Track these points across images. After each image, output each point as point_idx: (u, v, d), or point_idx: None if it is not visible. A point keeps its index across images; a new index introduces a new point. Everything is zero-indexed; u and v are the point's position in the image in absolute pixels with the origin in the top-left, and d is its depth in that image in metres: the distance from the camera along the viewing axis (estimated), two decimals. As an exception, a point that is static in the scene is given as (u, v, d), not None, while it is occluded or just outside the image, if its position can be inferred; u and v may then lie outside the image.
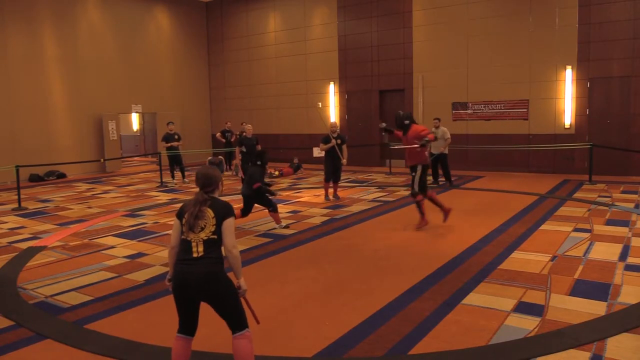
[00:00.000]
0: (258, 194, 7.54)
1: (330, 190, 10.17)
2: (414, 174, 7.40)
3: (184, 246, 3.02)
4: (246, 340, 3.05)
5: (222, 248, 3.06)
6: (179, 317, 3.12)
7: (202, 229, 2.99)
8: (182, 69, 18.92)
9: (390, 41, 15.27)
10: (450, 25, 14.19)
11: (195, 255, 2.97)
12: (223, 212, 3.04)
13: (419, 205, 7.37)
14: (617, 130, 12.33)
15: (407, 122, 7.43)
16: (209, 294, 2.98)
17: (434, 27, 14.50)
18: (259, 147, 11.86)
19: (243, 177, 11.47)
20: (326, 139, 9.89)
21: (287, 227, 7.68)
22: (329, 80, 16.59)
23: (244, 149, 11.22)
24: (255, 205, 7.71)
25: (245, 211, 7.67)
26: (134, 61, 17.29)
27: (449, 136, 11.46)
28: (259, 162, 7.63)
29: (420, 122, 14.81)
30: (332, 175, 9.95)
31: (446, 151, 11.48)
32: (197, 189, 3.13)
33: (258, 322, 3.37)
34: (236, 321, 3.05)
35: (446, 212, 7.46)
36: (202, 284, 2.94)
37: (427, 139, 7.19)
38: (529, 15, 13.09)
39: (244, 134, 12.14)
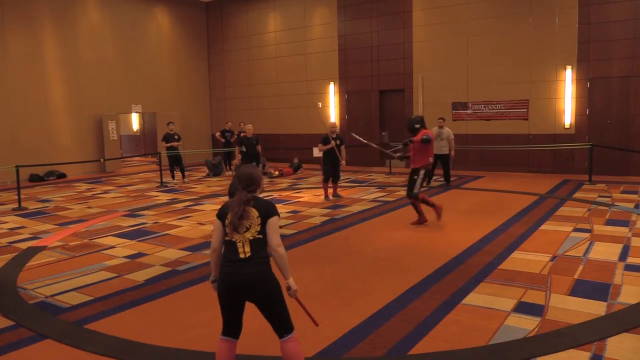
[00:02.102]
0: None
1: (330, 190, 10.18)
2: (415, 177, 7.45)
3: (229, 247, 2.96)
4: (295, 343, 3.00)
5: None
6: (224, 319, 3.06)
7: (247, 229, 2.94)
8: (182, 69, 18.91)
9: (390, 41, 15.27)
10: (450, 25, 14.19)
11: (242, 256, 2.92)
12: (267, 210, 2.99)
13: (416, 206, 7.53)
14: (617, 130, 12.33)
15: (417, 126, 7.55)
16: (259, 295, 2.93)
17: (434, 27, 14.50)
18: (259, 147, 11.87)
19: None
20: (325, 139, 9.91)
21: (281, 227, 7.66)
22: (329, 80, 16.58)
23: (244, 149, 11.22)
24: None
25: None
26: (134, 61, 17.29)
27: (452, 137, 11.48)
28: (254, 163, 7.61)
29: (420, 122, 14.82)
30: (332, 175, 9.98)
31: (452, 152, 11.49)
32: (237, 189, 3.06)
33: (317, 325, 3.30)
34: (284, 324, 3.00)
35: (422, 220, 7.58)
36: (251, 285, 2.90)
37: (425, 137, 7.33)
38: (529, 15, 13.09)
39: (243, 134, 12.14)
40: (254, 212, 2.97)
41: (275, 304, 2.97)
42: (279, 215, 3.05)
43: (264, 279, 2.92)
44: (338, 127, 10.64)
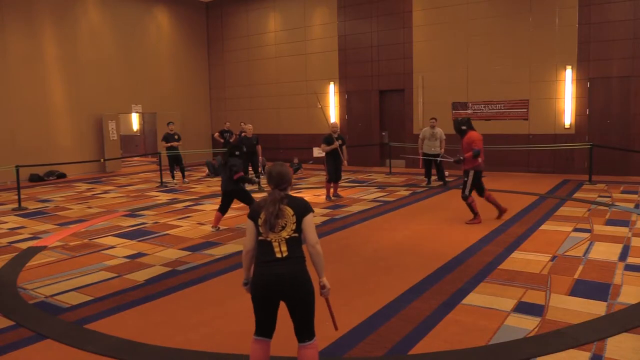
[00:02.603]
0: (240, 191, 7.43)
1: (331, 190, 10.19)
2: (466, 178, 7.65)
3: (265, 247, 2.92)
4: (315, 350, 2.97)
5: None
6: (258, 319, 3.01)
7: (283, 227, 2.91)
8: (182, 69, 18.92)
9: (390, 41, 15.27)
10: (450, 25, 14.19)
11: (279, 255, 2.88)
12: (302, 208, 2.96)
13: (471, 206, 7.65)
14: (617, 130, 12.32)
15: (464, 127, 7.69)
16: (295, 295, 2.89)
17: (434, 27, 14.50)
18: (259, 147, 11.89)
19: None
20: (328, 139, 9.91)
21: None
22: (329, 80, 16.58)
23: (244, 149, 11.21)
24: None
25: (224, 209, 7.55)
26: (134, 61, 17.29)
27: (444, 137, 11.53)
28: (237, 153, 7.54)
29: (419, 122, 14.85)
30: (334, 175, 9.98)
31: (442, 150, 11.49)
32: (271, 187, 3.03)
33: (336, 329, 3.27)
34: (309, 329, 2.96)
35: (502, 211, 7.81)
36: (289, 285, 2.86)
37: (462, 157, 7.67)
38: (529, 15, 13.09)
39: (244, 134, 12.15)
40: (289, 211, 2.93)
41: (307, 306, 2.93)
42: (313, 212, 3.02)
43: (302, 279, 2.89)
44: (339, 127, 10.67)
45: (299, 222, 2.93)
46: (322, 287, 3.01)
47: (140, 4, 17.54)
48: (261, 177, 13.59)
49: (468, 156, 7.58)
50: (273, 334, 3.06)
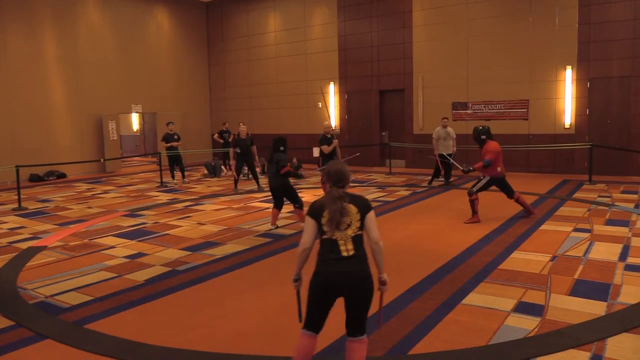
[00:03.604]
0: (287, 186, 7.47)
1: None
2: (481, 177, 7.79)
3: (330, 246, 2.91)
4: (365, 345, 3.00)
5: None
6: (311, 315, 3.01)
7: (349, 225, 2.91)
8: (182, 69, 18.92)
9: (390, 41, 15.27)
10: (450, 25, 14.19)
11: (345, 254, 2.88)
12: (365, 205, 2.98)
13: (473, 204, 7.69)
14: (617, 130, 12.32)
15: (483, 137, 7.79)
16: (359, 292, 2.89)
17: (434, 27, 14.50)
18: (253, 148, 11.91)
19: (236, 177, 11.48)
20: (324, 140, 9.93)
21: (279, 227, 7.69)
22: (329, 80, 16.58)
23: (238, 150, 11.24)
24: (255, 205, 7.71)
25: (279, 205, 7.60)
26: (134, 61, 17.29)
27: (455, 136, 11.57)
28: (282, 148, 7.52)
29: (420, 122, 14.85)
30: None
31: (454, 148, 11.53)
32: (330, 185, 3.02)
33: (380, 326, 3.32)
34: (363, 324, 2.99)
35: (530, 213, 7.85)
36: (354, 282, 2.87)
37: (472, 167, 7.86)
38: (529, 15, 13.09)
39: (238, 135, 12.15)
40: (353, 208, 2.94)
41: (367, 303, 2.94)
42: (374, 209, 3.02)
43: (367, 277, 2.90)
44: (337, 127, 10.68)
45: (362, 220, 2.95)
46: (383, 283, 3.04)
47: (140, 4, 17.54)
48: (250, 177, 13.61)
49: (478, 167, 7.68)
50: (321, 330, 3.07)
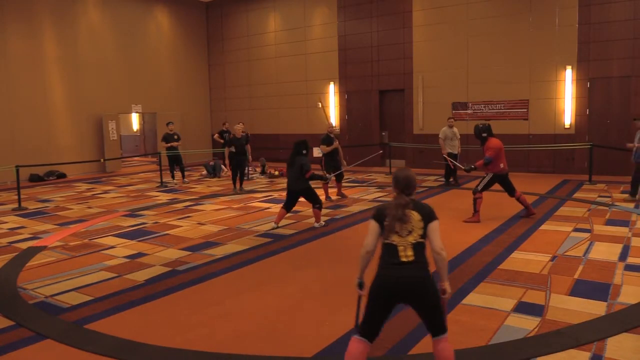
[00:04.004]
0: (309, 189, 7.49)
1: (331, 190, 10.19)
2: (485, 175, 7.83)
3: (390, 250, 2.93)
4: (447, 343, 3.01)
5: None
6: (368, 321, 2.97)
7: (410, 232, 2.92)
8: (182, 69, 18.91)
9: (390, 41, 15.27)
10: (450, 25, 14.19)
11: (404, 259, 2.89)
12: (429, 214, 2.99)
13: (475, 203, 7.72)
14: (617, 130, 12.32)
15: (484, 134, 7.82)
16: (420, 299, 2.90)
17: (434, 27, 14.50)
18: (248, 147, 11.94)
19: (233, 177, 11.46)
20: (327, 140, 9.94)
21: (326, 225, 7.72)
22: (329, 80, 16.58)
23: (233, 149, 11.25)
24: (255, 205, 7.71)
25: (289, 206, 7.63)
26: (134, 61, 17.29)
27: (459, 135, 11.61)
28: (304, 152, 7.51)
29: (420, 122, 14.85)
30: (335, 175, 9.95)
31: (459, 149, 11.56)
32: (397, 192, 3.03)
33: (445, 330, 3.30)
34: (443, 323, 2.97)
35: (530, 211, 7.85)
36: (413, 289, 2.87)
37: (473, 166, 7.92)
38: (529, 15, 13.09)
39: (233, 134, 12.16)
40: (416, 216, 2.95)
41: (436, 307, 2.94)
42: (438, 220, 3.02)
43: (428, 284, 2.89)
44: (337, 127, 10.71)
45: (425, 228, 2.95)
46: (443, 292, 3.03)
47: (140, 4, 17.53)
48: (251, 177, 13.61)
49: (479, 164, 7.70)
50: (375, 339, 3.02)
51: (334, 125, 10.73)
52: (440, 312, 2.97)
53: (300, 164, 7.37)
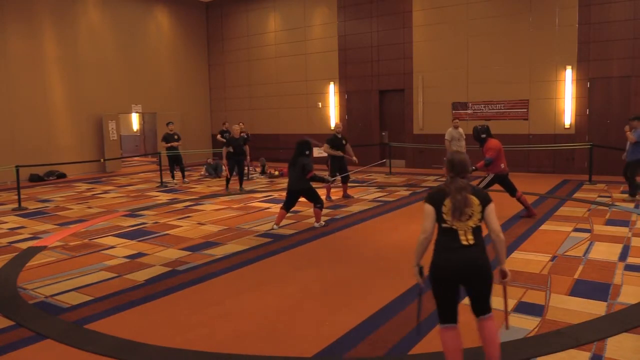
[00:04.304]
0: (310, 189, 7.49)
1: (337, 192, 10.19)
2: (486, 175, 7.91)
3: (448, 235, 2.98)
4: (493, 321, 3.08)
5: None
6: (441, 307, 3.06)
7: (470, 217, 2.96)
8: (182, 69, 18.91)
9: (390, 41, 15.27)
10: (450, 25, 14.19)
11: (465, 243, 2.94)
12: (485, 198, 3.03)
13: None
14: (617, 130, 12.28)
15: (483, 135, 7.87)
16: (479, 280, 2.98)
17: (434, 27, 14.50)
18: (246, 147, 11.94)
19: (228, 177, 11.45)
20: (334, 140, 9.97)
21: (326, 225, 7.72)
22: (329, 80, 16.58)
23: (230, 149, 11.24)
24: (255, 205, 7.70)
25: (289, 206, 7.63)
26: (134, 61, 17.29)
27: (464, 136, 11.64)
28: (307, 152, 7.53)
29: (420, 122, 14.84)
30: (342, 175, 9.93)
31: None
32: (452, 175, 3.05)
33: (507, 327, 3.36)
34: (489, 303, 3.07)
35: (531, 214, 7.83)
36: (475, 271, 2.94)
37: (474, 167, 7.77)
38: (529, 15, 13.09)
39: (243, 132, 12.17)
40: (475, 200, 2.98)
41: (489, 287, 3.03)
42: (493, 202, 3.07)
43: (487, 266, 2.97)
44: (341, 127, 10.72)
45: (483, 212, 2.99)
46: (504, 275, 3.10)
47: (140, 4, 17.53)
48: (251, 177, 13.61)
49: (480, 165, 7.70)
50: (457, 319, 3.09)
51: (340, 125, 10.72)
52: (491, 291, 3.06)
53: (303, 164, 7.38)
